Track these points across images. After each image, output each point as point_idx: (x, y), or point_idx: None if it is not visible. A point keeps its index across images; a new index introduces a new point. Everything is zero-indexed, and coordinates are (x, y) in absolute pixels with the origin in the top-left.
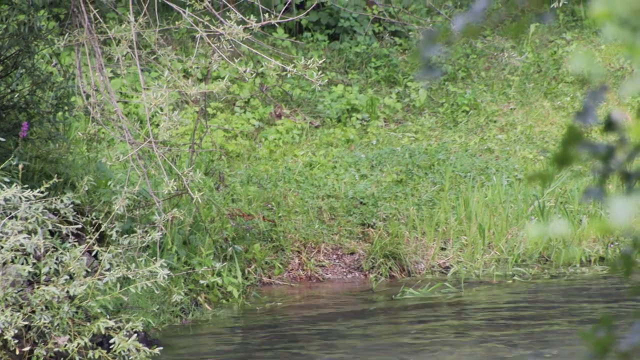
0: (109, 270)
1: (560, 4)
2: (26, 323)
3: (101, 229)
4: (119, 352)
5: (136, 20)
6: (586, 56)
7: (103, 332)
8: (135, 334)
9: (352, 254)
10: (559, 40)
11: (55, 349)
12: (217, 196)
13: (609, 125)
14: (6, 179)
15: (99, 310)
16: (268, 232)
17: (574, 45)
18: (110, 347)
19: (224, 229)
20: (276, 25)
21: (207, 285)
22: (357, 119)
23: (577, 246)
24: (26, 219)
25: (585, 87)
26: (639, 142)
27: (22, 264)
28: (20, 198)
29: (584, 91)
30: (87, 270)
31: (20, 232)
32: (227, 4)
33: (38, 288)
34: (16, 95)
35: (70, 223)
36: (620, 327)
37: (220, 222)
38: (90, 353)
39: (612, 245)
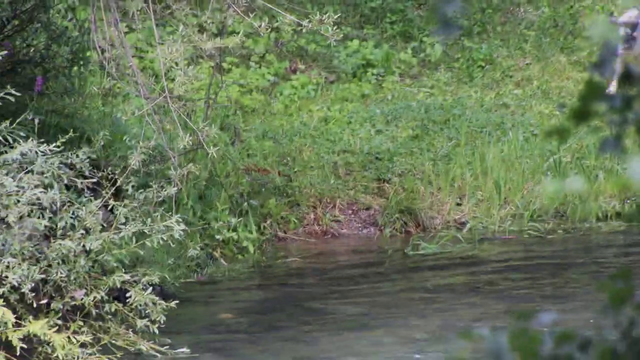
0: (124, 224)
1: None
2: (43, 277)
3: (117, 184)
4: (136, 306)
5: None
6: (602, 23)
7: (119, 285)
8: (151, 288)
9: (367, 209)
10: None
11: (72, 303)
12: (232, 151)
13: (626, 77)
14: (22, 134)
15: (115, 264)
16: (283, 187)
17: (591, 0)
18: (127, 300)
19: (240, 184)
20: None
21: (223, 240)
22: (373, 74)
23: (593, 202)
24: (42, 173)
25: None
26: None
27: (39, 218)
28: (36, 152)
29: (601, 45)
30: (103, 225)
31: (36, 186)
32: None
33: (54, 242)
34: (32, 50)
35: (86, 177)
36: (637, 280)
37: (235, 177)
38: (107, 307)
39: (628, 201)
